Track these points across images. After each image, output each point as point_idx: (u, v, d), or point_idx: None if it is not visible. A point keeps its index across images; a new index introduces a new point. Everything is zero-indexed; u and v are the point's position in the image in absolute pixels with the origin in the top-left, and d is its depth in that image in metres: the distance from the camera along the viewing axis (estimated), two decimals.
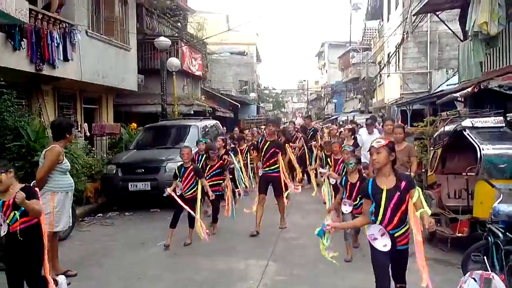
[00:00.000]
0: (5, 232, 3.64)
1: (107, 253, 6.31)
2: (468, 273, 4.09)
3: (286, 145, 9.53)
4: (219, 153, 8.00)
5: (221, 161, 7.63)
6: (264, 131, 11.89)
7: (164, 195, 6.40)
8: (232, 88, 30.47)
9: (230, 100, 25.10)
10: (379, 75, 25.61)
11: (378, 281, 3.55)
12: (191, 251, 6.15)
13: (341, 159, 6.93)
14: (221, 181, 7.39)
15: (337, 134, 11.72)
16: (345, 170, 6.15)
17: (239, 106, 27.34)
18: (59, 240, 6.46)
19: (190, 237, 6.42)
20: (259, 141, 7.53)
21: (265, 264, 5.63)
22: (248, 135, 12.60)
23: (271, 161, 7.15)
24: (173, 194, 6.30)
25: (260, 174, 7.38)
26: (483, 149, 5.66)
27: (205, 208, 7.70)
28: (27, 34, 8.96)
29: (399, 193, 3.43)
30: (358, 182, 5.53)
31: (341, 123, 23.04)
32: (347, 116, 25.00)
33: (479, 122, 6.17)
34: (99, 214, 8.87)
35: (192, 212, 6.26)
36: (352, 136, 8.85)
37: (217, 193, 7.08)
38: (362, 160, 8.14)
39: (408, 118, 16.62)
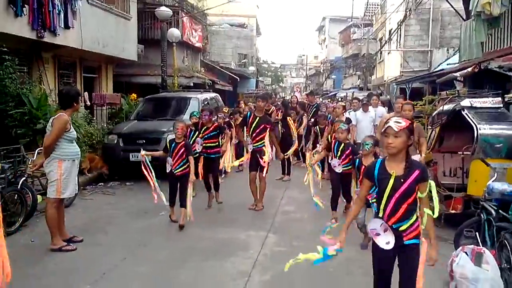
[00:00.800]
0: None
1: (111, 221, 6.47)
2: (460, 248, 4.28)
3: (288, 118, 9.86)
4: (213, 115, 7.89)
5: (217, 123, 7.52)
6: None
7: (140, 155, 6.33)
8: (231, 61, 30.29)
9: (230, 73, 24.99)
10: (379, 52, 25.50)
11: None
12: (192, 223, 6.28)
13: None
14: (216, 143, 7.24)
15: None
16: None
17: (238, 80, 27.24)
18: None
19: (183, 219, 6.04)
20: (248, 116, 7.24)
21: (265, 235, 5.81)
22: (244, 108, 12.05)
23: (260, 137, 7.00)
24: (145, 159, 6.20)
25: (250, 150, 7.13)
26: (480, 129, 5.79)
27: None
28: (28, 0, 8.89)
29: (409, 182, 2.95)
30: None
31: (339, 99, 23.07)
32: (346, 93, 25.00)
33: (478, 102, 6.27)
34: (100, 183, 9.01)
35: (156, 187, 6.18)
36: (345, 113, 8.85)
37: (213, 155, 7.17)
38: (357, 140, 8.38)
39: (407, 96, 16.69)
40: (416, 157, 5.41)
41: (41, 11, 9.23)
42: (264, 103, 7.25)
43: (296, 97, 14.44)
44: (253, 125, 6.98)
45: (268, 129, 7.03)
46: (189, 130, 7.34)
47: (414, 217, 3.02)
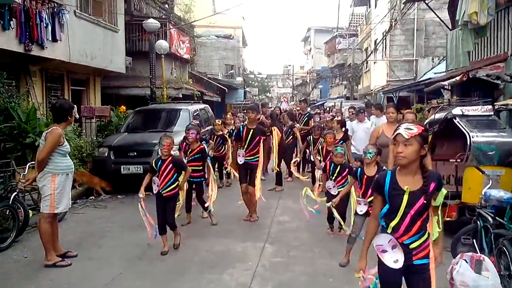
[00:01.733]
0: None
1: (104, 234, 6.38)
2: (459, 255, 4.29)
3: (273, 128, 8.92)
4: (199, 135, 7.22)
5: (202, 145, 7.01)
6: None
7: (139, 196, 5.57)
8: (218, 72, 30.35)
9: (217, 84, 25.00)
10: (365, 62, 25.80)
11: None
12: (188, 233, 6.23)
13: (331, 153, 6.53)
14: (200, 167, 6.82)
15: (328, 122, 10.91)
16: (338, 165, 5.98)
17: (226, 91, 27.25)
18: None
19: (176, 238, 5.72)
20: (241, 130, 7.04)
21: (262, 246, 5.78)
22: (231, 119, 11.42)
23: (255, 150, 6.86)
24: (143, 203, 5.57)
25: (241, 162, 6.92)
26: (472, 137, 5.85)
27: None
28: (16, 13, 8.80)
29: (424, 197, 2.65)
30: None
31: (327, 109, 23.22)
32: (334, 102, 25.18)
33: (469, 110, 6.34)
34: (91, 197, 8.89)
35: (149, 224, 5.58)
36: (343, 129, 8.23)
37: (196, 179, 6.75)
38: (352, 151, 8.14)
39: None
40: None
41: (29, 24, 9.14)
42: (255, 114, 7.08)
43: (279, 108, 14.48)
44: (248, 138, 6.84)
45: (263, 140, 6.94)
46: (184, 145, 7.15)
47: (426, 235, 2.77)
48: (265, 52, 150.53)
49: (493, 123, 6.22)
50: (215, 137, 9.53)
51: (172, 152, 5.71)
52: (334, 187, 6.01)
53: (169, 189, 5.58)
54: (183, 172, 5.79)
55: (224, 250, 5.64)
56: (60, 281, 4.65)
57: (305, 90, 52.71)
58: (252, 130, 6.87)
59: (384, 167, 4.92)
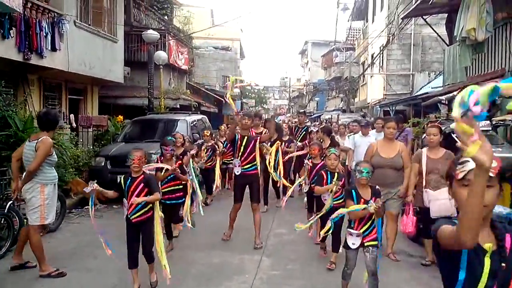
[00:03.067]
0: None
1: (100, 245, 6.24)
2: None
3: (278, 143, 7.90)
4: (177, 151, 6.32)
5: (180, 161, 6.10)
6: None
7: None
8: (215, 83, 30.44)
9: (215, 95, 25.06)
10: (362, 75, 25.98)
11: None
12: (185, 245, 6.19)
13: (319, 164, 6.12)
14: (180, 186, 6.02)
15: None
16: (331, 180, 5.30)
17: (224, 102, 27.28)
18: (49, 231, 6.49)
19: (153, 274, 4.83)
20: (235, 138, 6.36)
21: (259, 259, 5.74)
22: (223, 130, 10.97)
23: (251, 157, 6.30)
24: (91, 213, 4.58)
25: (237, 173, 6.34)
26: None
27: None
28: (16, 22, 8.82)
29: (504, 258, 1.77)
30: (374, 198, 4.23)
31: (324, 121, 23.27)
32: (331, 115, 25.26)
33: None
34: (86, 207, 8.79)
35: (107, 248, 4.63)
36: (329, 137, 7.63)
37: (175, 201, 6.01)
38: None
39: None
40: (444, 190, 4.86)
41: (28, 33, 9.17)
42: (250, 121, 6.48)
43: (284, 121, 14.33)
44: (243, 145, 6.30)
45: (258, 141, 6.37)
46: (161, 159, 6.24)
47: None
48: (262, 64, 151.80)
49: (491, 138, 6.25)
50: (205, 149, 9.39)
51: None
52: (329, 196, 5.34)
53: (140, 213, 4.52)
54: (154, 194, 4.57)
55: (221, 262, 5.60)
56: None
57: (302, 102, 52.90)
58: (246, 137, 6.35)
59: (377, 187, 4.43)
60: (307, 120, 14.27)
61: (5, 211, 5.71)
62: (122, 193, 4.60)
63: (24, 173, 5.01)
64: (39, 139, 4.98)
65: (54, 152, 5.11)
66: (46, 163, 4.98)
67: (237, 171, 6.35)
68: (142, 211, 4.54)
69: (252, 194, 6.33)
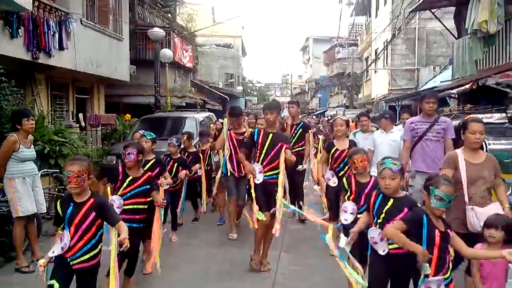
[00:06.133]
0: None
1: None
2: None
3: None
4: (143, 155, 4.63)
5: (150, 173, 4.56)
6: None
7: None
8: (218, 81, 30.46)
9: (219, 93, 25.06)
10: (366, 71, 25.93)
11: None
12: (204, 243, 6.18)
13: (370, 183, 4.06)
14: (143, 206, 4.35)
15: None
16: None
17: (228, 99, 27.31)
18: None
19: None
20: (255, 134, 5.05)
21: (278, 254, 5.71)
22: (213, 128, 9.62)
23: (275, 163, 4.89)
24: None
25: (259, 181, 4.90)
26: (489, 144, 5.83)
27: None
28: (24, 21, 8.80)
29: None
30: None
31: (328, 118, 23.24)
32: (337, 111, 25.24)
33: (484, 118, 6.31)
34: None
35: None
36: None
37: (138, 224, 4.27)
38: (373, 173, 5.04)
39: (397, 114, 16.93)
40: (495, 207, 3.76)
41: (36, 32, 9.15)
42: (274, 115, 4.97)
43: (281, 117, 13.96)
44: (266, 145, 4.91)
45: (285, 149, 4.88)
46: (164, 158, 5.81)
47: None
48: (264, 61, 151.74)
49: (508, 130, 6.21)
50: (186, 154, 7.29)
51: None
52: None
53: (84, 258, 3.14)
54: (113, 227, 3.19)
55: (241, 258, 5.55)
56: None
57: (304, 99, 52.83)
58: (271, 135, 4.94)
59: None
60: (306, 114, 13.28)
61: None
62: (59, 222, 3.25)
63: None
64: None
65: (21, 148, 5.19)
66: (13, 158, 5.14)
67: (258, 179, 4.91)
68: (91, 254, 3.15)
69: (270, 206, 4.93)
